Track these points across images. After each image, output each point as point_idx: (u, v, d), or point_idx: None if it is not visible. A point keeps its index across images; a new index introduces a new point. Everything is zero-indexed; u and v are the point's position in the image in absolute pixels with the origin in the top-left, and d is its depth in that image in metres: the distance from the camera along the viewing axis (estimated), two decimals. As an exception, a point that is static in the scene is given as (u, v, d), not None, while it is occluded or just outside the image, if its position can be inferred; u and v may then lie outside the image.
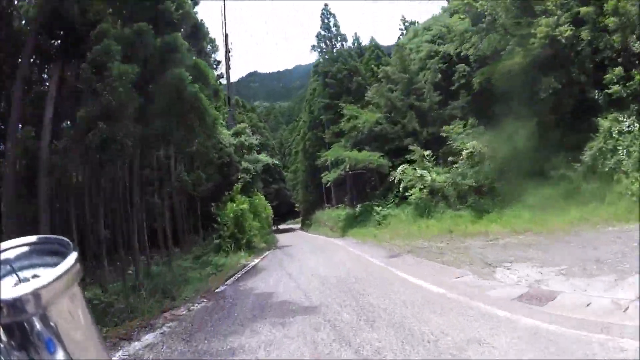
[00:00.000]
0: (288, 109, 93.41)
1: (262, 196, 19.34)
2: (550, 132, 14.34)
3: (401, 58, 23.34)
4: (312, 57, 37.78)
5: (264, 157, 16.10)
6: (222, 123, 16.85)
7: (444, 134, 17.73)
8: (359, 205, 20.18)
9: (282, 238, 27.40)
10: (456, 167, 16.62)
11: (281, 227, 47.50)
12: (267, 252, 14.43)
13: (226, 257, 11.54)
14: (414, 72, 23.59)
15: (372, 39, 34.87)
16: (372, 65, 27.43)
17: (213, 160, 13.21)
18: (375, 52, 33.00)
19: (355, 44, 36.33)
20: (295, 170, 51.63)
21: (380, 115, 20.90)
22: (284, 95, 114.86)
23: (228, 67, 18.66)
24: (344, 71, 28.36)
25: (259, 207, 16.55)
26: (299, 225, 46.38)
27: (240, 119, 16.49)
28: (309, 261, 10.44)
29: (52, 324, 0.43)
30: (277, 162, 16.95)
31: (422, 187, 16.85)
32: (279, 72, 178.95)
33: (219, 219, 13.08)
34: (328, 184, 22.81)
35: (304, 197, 42.61)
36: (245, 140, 15.19)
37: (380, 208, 17.56)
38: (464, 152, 14.15)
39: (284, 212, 48.85)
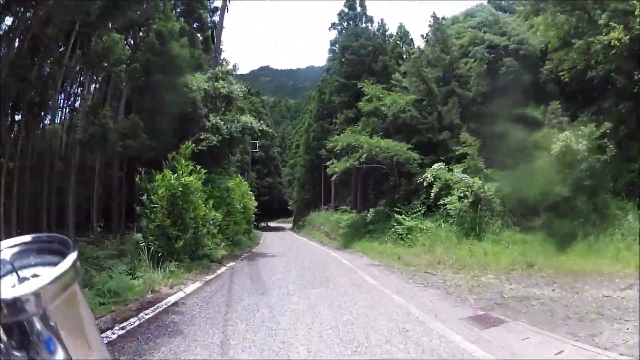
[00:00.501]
0: (294, 105, 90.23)
1: (241, 179, 14.13)
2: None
3: (442, 35, 18.79)
4: (326, 60, 33.22)
5: (247, 118, 10.84)
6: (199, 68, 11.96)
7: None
8: (371, 210, 15.32)
9: (267, 238, 23.14)
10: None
11: (271, 224, 43.54)
12: (228, 266, 8.88)
13: (141, 272, 5.95)
14: (455, 58, 19.32)
15: (401, 25, 30.13)
16: (402, 46, 22.80)
17: (166, 104, 8.18)
18: (404, 39, 28.42)
19: (381, 31, 31.61)
20: (294, 165, 47.12)
21: (412, 97, 16.29)
22: (292, 94, 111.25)
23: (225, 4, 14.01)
24: (368, 47, 23.45)
25: (231, 192, 11.14)
26: (290, 225, 42.72)
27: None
28: (296, 320, 4.21)
29: (52, 323, 0.42)
30: (266, 128, 11.15)
31: (461, 194, 12.27)
32: (290, 70, 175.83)
33: (144, 198, 7.39)
34: (333, 178, 18.05)
35: (299, 196, 38.50)
36: (222, 87, 10.26)
37: (403, 217, 12.65)
38: (553, 148, 9.46)
39: (275, 209, 45.40)
